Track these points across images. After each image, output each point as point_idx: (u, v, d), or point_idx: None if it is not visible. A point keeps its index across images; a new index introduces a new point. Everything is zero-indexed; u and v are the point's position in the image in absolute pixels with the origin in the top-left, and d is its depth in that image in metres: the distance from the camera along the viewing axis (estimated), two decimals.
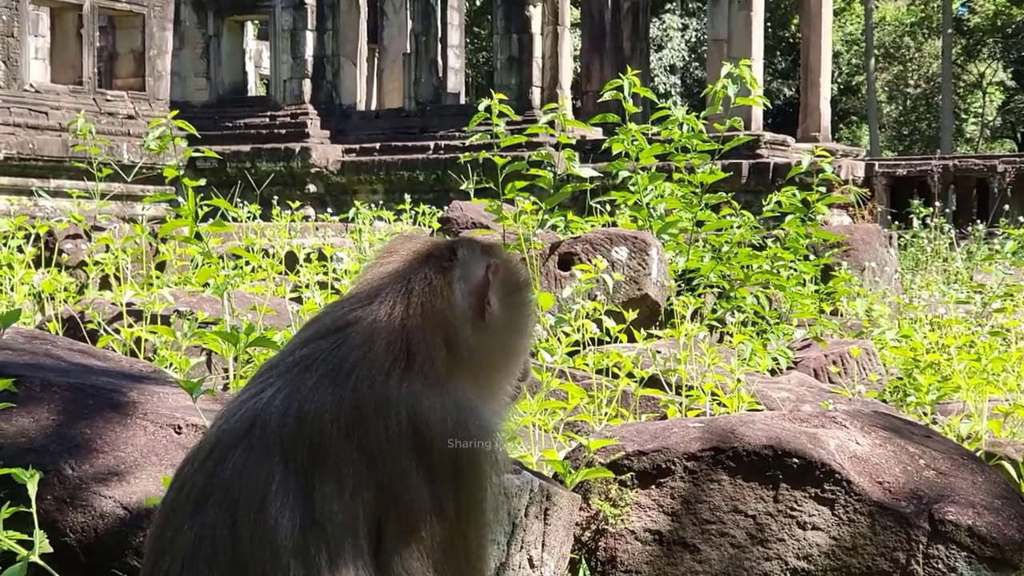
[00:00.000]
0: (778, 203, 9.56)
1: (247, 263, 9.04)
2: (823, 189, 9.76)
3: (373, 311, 2.55)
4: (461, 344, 2.54)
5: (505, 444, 2.57)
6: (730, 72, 9.13)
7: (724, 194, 9.42)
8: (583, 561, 4.30)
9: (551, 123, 8.60)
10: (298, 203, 14.55)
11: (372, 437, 2.40)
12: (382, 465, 2.39)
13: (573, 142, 8.71)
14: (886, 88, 65.75)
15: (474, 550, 2.49)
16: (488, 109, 8.21)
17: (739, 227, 9.33)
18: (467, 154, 9.86)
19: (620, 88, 8.94)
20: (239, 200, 14.64)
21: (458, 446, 2.43)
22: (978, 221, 23.12)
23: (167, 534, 2.45)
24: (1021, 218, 25.14)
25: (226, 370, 6.06)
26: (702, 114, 9.27)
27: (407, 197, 17.90)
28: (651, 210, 9.16)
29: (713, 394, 6.08)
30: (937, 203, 22.84)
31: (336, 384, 2.45)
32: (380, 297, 2.59)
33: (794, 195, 9.57)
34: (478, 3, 55.65)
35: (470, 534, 2.48)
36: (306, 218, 13.99)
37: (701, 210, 9.04)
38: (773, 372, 7.55)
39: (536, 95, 28.83)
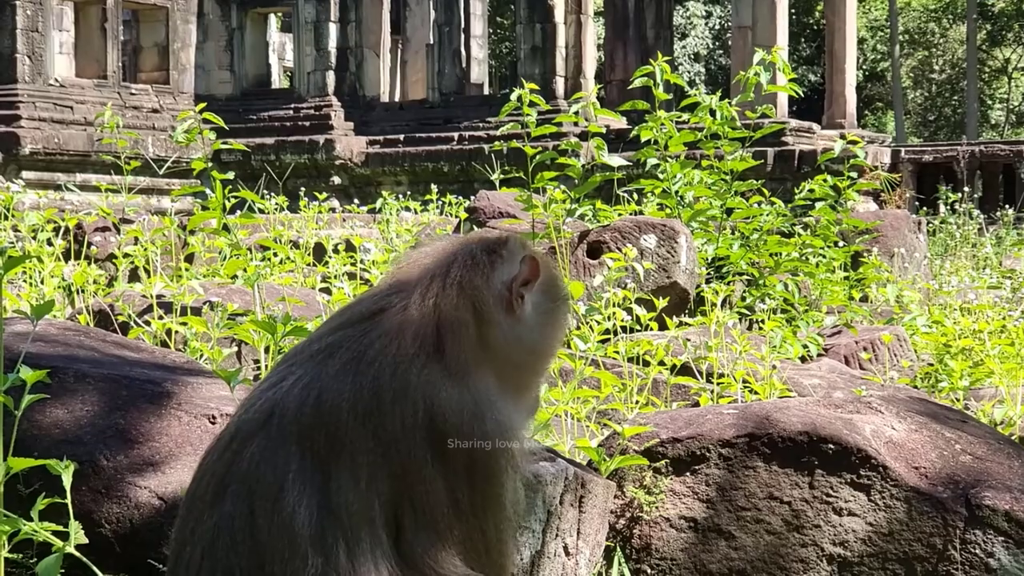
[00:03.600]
0: (810, 190, 9.52)
1: (275, 254, 9.04)
2: (854, 175, 9.72)
3: (408, 297, 2.55)
4: (489, 336, 2.52)
5: (525, 443, 2.54)
6: (762, 59, 9.09)
7: (754, 181, 9.40)
8: (618, 549, 4.29)
9: (579, 112, 8.56)
10: (324, 195, 14.53)
11: (388, 426, 2.40)
12: (396, 455, 2.39)
13: (603, 131, 8.68)
14: (911, 74, 65.48)
15: (494, 545, 2.49)
16: (519, 99, 8.18)
17: (768, 215, 9.29)
18: (497, 143, 9.84)
19: (650, 75, 8.92)
20: (265, 192, 14.65)
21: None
22: (1005, 206, 22.99)
23: (189, 525, 2.47)
24: None
25: (256, 361, 6.06)
26: (734, 101, 9.24)
27: (432, 188, 17.90)
28: (680, 198, 9.14)
29: (744, 381, 6.06)
30: (966, 188, 22.73)
31: (358, 372, 2.45)
32: (418, 284, 2.57)
33: (825, 181, 9.53)
34: None
35: (488, 529, 2.47)
36: (332, 210, 13.97)
37: (731, 198, 9.01)
38: (804, 359, 7.52)
39: (560, 85, 28.79)
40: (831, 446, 4.35)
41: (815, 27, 58.07)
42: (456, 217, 12.53)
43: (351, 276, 9.10)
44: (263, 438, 2.44)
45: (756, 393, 5.97)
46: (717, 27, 58.95)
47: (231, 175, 7.83)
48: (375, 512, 2.39)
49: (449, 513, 2.41)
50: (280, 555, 2.36)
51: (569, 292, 2.67)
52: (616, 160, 8.32)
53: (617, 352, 6.31)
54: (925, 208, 24.84)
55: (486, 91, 33.23)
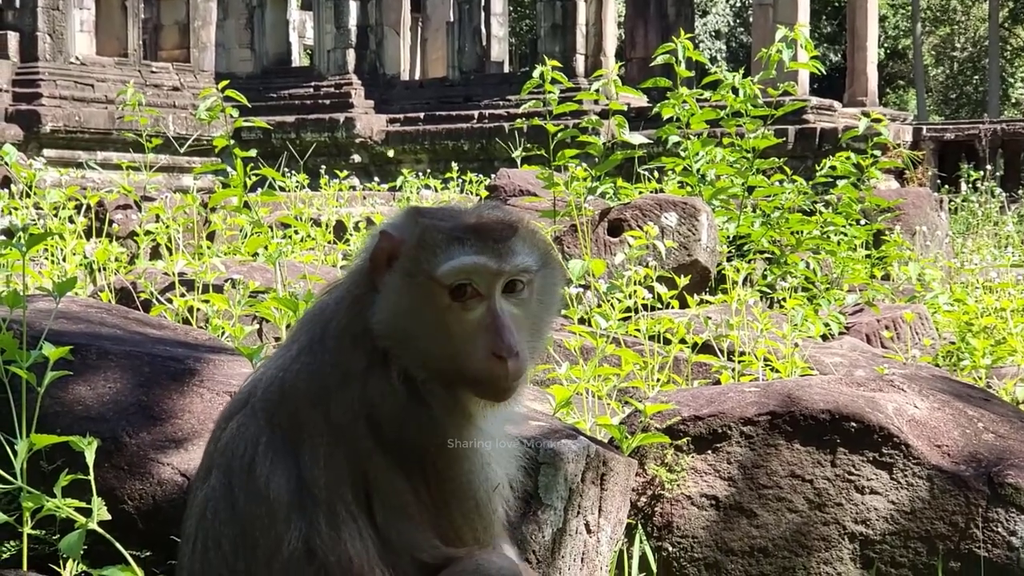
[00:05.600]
0: (832, 167, 9.48)
1: (296, 232, 9.04)
2: (877, 153, 9.68)
3: (343, 281, 2.63)
4: (373, 318, 2.49)
5: (464, 426, 2.50)
6: (784, 36, 9.05)
7: (776, 159, 9.37)
8: (639, 526, 4.28)
9: (600, 90, 8.54)
10: (344, 173, 14.52)
11: (334, 412, 2.45)
12: (344, 441, 2.45)
13: (624, 108, 8.65)
14: (933, 52, 65.17)
15: (466, 531, 2.51)
16: (541, 76, 8.16)
17: (790, 193, 9.26)
18: (518, 121, 9.81)
19: (672, 52, 8.88)
20: (285, 170, 14.65)
21: (408, 434, 2.45)
22: None
23: (189, 500, 2.62)
24: None
25: (277, 339, 6.06)
26: (756, 78, 9.20)
27: (453, 166, 17.88)
28: (701, 176, 9.11)
29: (766, 360, 6.05)
30: (988, 166, 22.64)
31: (311, 353, 2.52)
32: (351, 265, 2.65)
33: (848, 159, 9.49)
34: None
35: (455, 518, 2.50)
36: (352, 188, 13.96)
37: (752, 175, 8.97)
38: (825, 338, 7.50)
39: (580, 63, 28.69)
40: (853, 424, 4.34)
41: (836, 4, 57.76)
42: (476, 195, 12.53)
43: None
44: (243, 415, 2.55)
45: (777, 371, 5.96)
46: (738, 4, 58.74)
47: (252, 153, 7.83)
48: (344, 489, 2.44)
49: (414, 501, 2.45)
50: (260, 522, 2.45)
51: (442, 268, 2.43)
52: (637, 138, 8.29)
53: (638, 330, 6.30)
54: (947, 186, 24.74)
55: (506, 69, 33.14)
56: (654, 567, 4.26)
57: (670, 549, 4.35)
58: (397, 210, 12.14)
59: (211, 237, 9.18)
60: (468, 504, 2.50)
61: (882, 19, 55.74)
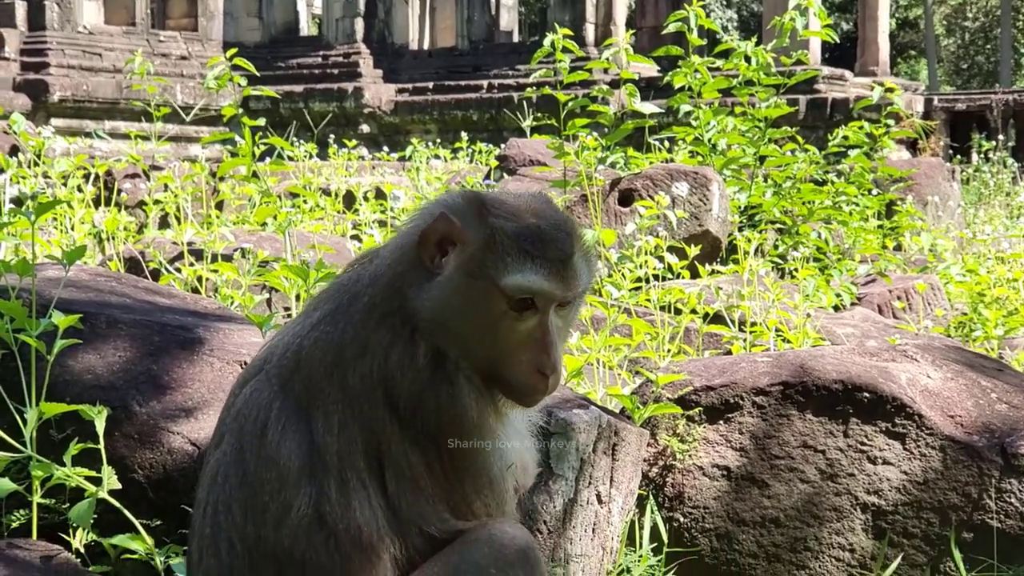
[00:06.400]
0: (844, 137, 9.44)
1: (305, 202, 9.02)
2: (890, 123, 9.64)
3: (378, 255, 2.61)
4: (416, 296, 2.49)
5: (487, 412, 2.50)
6: (798, 3, 9.00)
7: (788, 128, 9.33)
8: (651, 497, 4.27)
9: (611, 59, 8.49)
10: (353, 143, 14.48)
11: (350, 381, 2.45)
12: (360, 411, 2.44)
13: (635, 77, 8.61)
14: (944, 22, 64.89)
15: (478, 506, 2.50)
16: (552, 45, 8.12)
17: (802, 162, 9.23)
18: (528, 90, 9.76)
19: (684, 20, 8.83)
20: (294, 140, 14.61)
21: (426, 408, 2.45)
22: None
23: (203, 468, 2.63)
24: None
25: (287, 308, 6.04)
26: (768, 47, 9.15)
27: (462, 136, 17.83)
28: (712, 146, 9.08)
29: (777, 330, 6.02)
30: (1000, 137, 22.55)
31: (333, 323, 2.52)
32: (389, 242, 2.64)
33: (861, 129, 9.45)
34: None
35: (468, 492, 2.50)
36: (361, 158, 13.93)
37: (764, 145, 8.94)
38: (837, 308, 7.48)
39: (590, 32, 28.59)
40: (866, 394, 4.32)
41: None
42: (486, 165, 12.49)
43: (381, 224, 9.08)
44: (255, 381, 2.56)
45: (789, 342, 5.94)
46: None
47: (261, 122, 7.80)
48: (356, 458, 2.44)
49: (426, 474, 2.44)
50: (271, 486, 2.45)
51: (509, 280, 2.43)
52: (648, 107, 8.24)
53: (649, 300, 6.28)
54: (959, 156, 24.66)
55: (515, 39, 33.06)
56: (665, 538, 4.25)
57: (681, 520, 4.34)
58: (407, 180, 12.12)
59: (220, 206, 9.17)
60: (482, 481, 2.50)
61: None
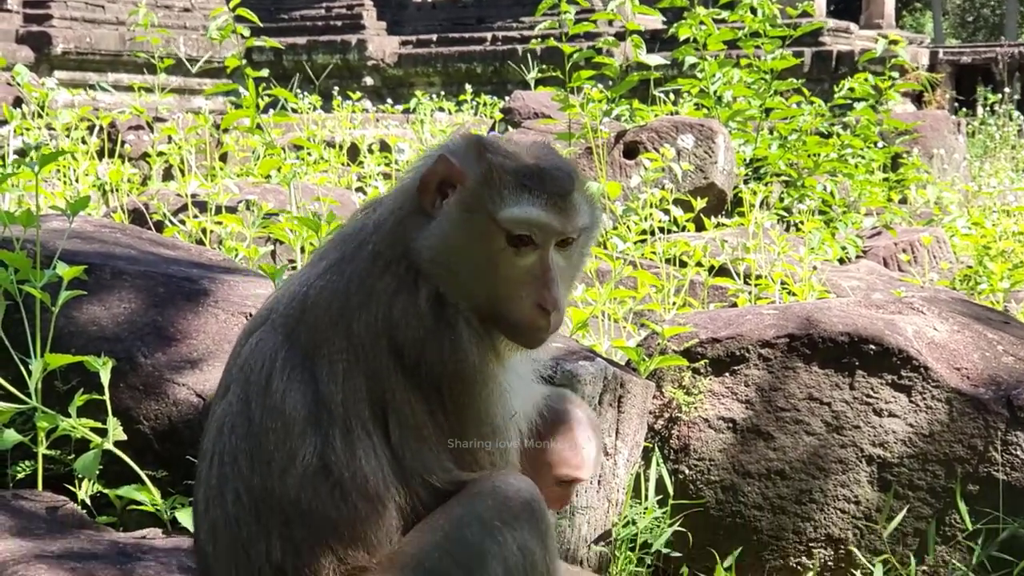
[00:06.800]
0: (850, 89, 9.40)
1: (310, 154, 8.99)
2: (895, 75, 9.60)
3: (385, 201, 2.61)
4: (417, 240, 2.48)
5: (489, 357, 2.48)
6: None
7: (794, 80, 9.29)
8: (656, 449, 4.27)
9: (616, 10, 8.44)
10: (357, 95, 14.43)
11: (355, 329, 2.44)
12: (364, 359, 2.44)
13: (641, 29, 8.56)
14: None
15: (482, 455, 2.49)
16: None
17: (808, 115, 9.20)
18: (534, 42, 9.73)
19: None
20: (297, 91, 14.55)
21: (429, 355, 2.43)
22: None
23: (209, 417, 2.61)
24: None
25: (292, 261, 6.03)
26: None
27: (467, 88, 17.76)
28: (718, 98, 9.04)
29: (783, 283, 6.02)
30: (1006, 90, 22.46)
31: (339, 272, 2.51)
32: (397, 186, 2.64)
33: (866, 81, 9.40)
34: None
35: (472, 441, 2.47)
36: (365, 110, 13.88)
37: (770, 97, 8.90)
38: (842, 261, 7.47)
39: None
40: (872, 347, 4.31)
41: None
42: (491, 118, 12.45)
43: (386, 176, 9.05)
44: (261, 331, 2.55)
45: (794, 295, 5.93)
46: None
47: (264, 73, 7.77)
48: (361, 407, 2.43)
49: (430, 423, 2.43)
50: (276, 436, 2.45)
51: (506, 213, 2.42)
52: (654, 59, 8.20)
53: (654, 253, 6.26)
54: (964, 110, 24.57)
55: None
56: (671, 490, 4.25)
57: (687, 472, 4.34)
58: (411, 133, 12.08)
59: (224, 158, 9.13)
60: (484, 430, 2.49)
61: None
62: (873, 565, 4.18)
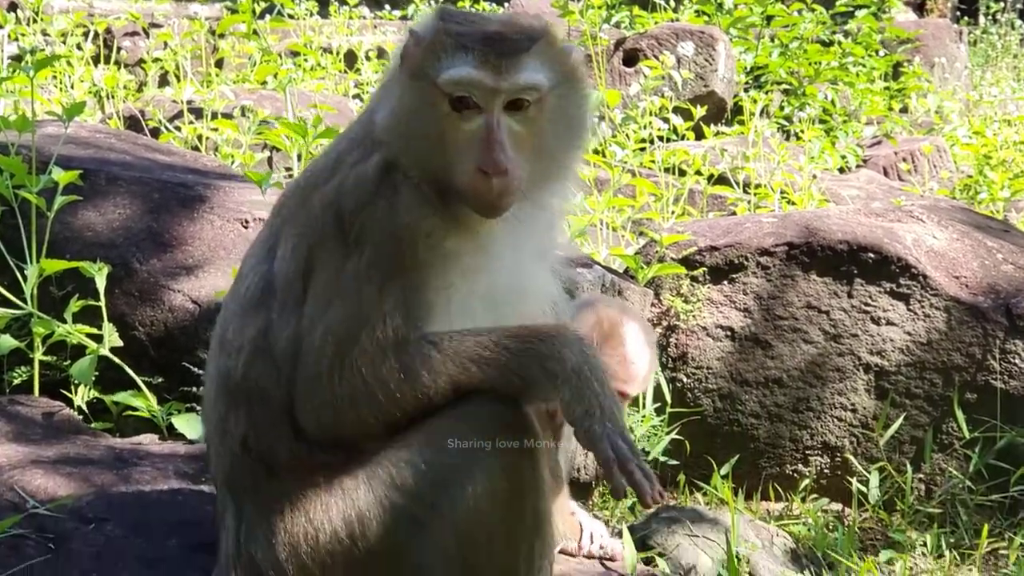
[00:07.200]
0: None
1: (306, 60, 8.91)
2: None
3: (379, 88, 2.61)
4: (378, 113, 2.46)
5: (439, 227, 2.39)
6: None
7: None
8: None
9: None
10: (355, 0, 14.28)
11: (313, 203, 2.44)
12: (311, 232, 2.43)
13: None
14: None
15: (368, 300, 2.36)
16: None
17: (809, 22, 9.12)
18: None
19: None
20: None
21: (366, 218, 2.39)
22: None
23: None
24: None
25: (288, 168, 6.00)
26: None
27: None
28: (719, 4, 8.97)
29: (782, 192, 5.99)
30: None
31: (326, 154, 2.55)
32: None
33: None
34: None
35: (393, 305, 2.37)
36: (362, 17, 13.74)
37: (771, 4, 8.83)
38: (842, 170, 7.43)
39: None
40: (871, 255, 4.29)
41: None
42: None
43: None
44: (262, 229, 2.61)
45: (793, 203, 5.90)
46: None
47: None
48: (297, 282, 2.42)
49: (355, 291, 2.37)
50: (234, 318, 2.49)
51: (442, 75, 2.36)
52: None
53: (653, 162, 6.23)
54: (966, 18, 24.40)
55: None
56: (668, 398, 4.25)
57: (684, 380, 4.34)
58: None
59: (219, 65, 9.05)
60: (410, 296, 2.36)
61: None
62: (869, 473, 4.19)
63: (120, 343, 3.62)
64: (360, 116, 2.59)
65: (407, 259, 2.37)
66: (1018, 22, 17.75)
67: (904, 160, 7.62)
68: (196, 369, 3.57)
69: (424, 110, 2.38)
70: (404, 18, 15.45)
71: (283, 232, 2.48)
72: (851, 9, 9.61)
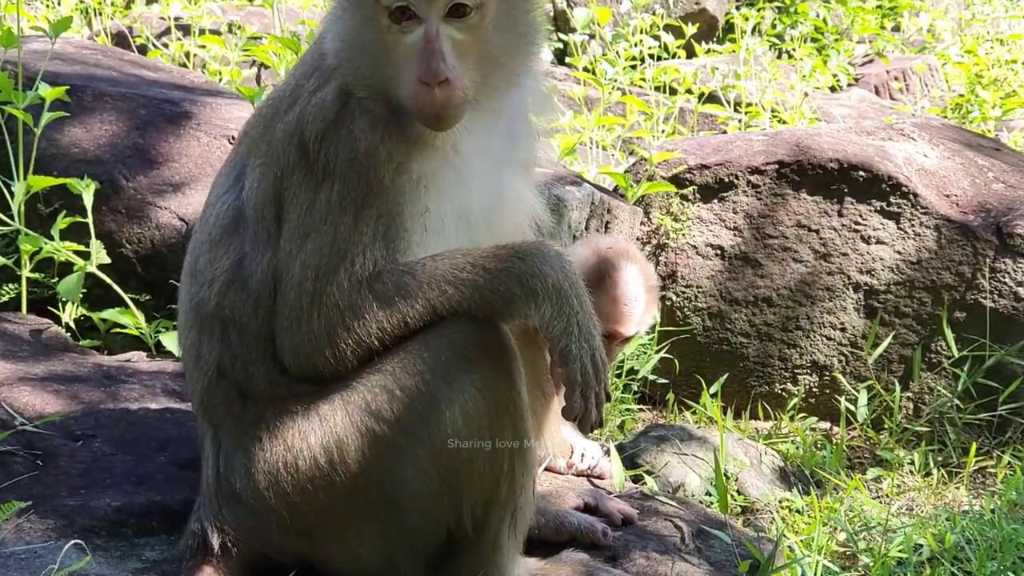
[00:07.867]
0: None
1: None
2: None
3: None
4: (327, 39, 2.45)
5: (397, 147, 2.37)
6: None
7: None
8: None
9: None
10: None
11: (276, 133, 2.43)
12: (276, 161, 2.41)
13: None
14: None
15: (343, 233, 2.35)
16: None
17: None
18: None
19: None
20: None
21: (328, 146, 2.38)
22: None
23: None
24: None
25: (275, 85, 5.96)
26: None
27: None
28: None
29: (773, 110, 5.97)
30: None
31: (287, 83, 2.52)
32: None
33: None
34: None
35: (366, 230, 2.35)
36: None
37: None
38: (833, 89, 7.40)
39: None
40: (862, 174, 4.28)
41: None
42: None
43: None
44: (228, 157, 2.59)
45: (784, 122, 5.88)
46: None
47: None
48: (268, 209, 2.42)
49: (322, 217, 2.36)
50: (204, 248, 2.48)
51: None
52: None
53: (644, 80, 6.20)
54: None
55: None
56: (658, 316, 4.25)
57: (674, 299, 4.34)
58: None
59: None
60: (381, 221, 2.36)
61: None
62: (858, 391, 4.20)
63: (107, 260, 3.61)
64: (313, 40, 2.56)
65: (374, 185, 2.36)
66: None
67: (896, 79, 7.59)
68: None
69: (366, 28, 2.36)
70: None
71: (249, 161, 2.46)
72: None
